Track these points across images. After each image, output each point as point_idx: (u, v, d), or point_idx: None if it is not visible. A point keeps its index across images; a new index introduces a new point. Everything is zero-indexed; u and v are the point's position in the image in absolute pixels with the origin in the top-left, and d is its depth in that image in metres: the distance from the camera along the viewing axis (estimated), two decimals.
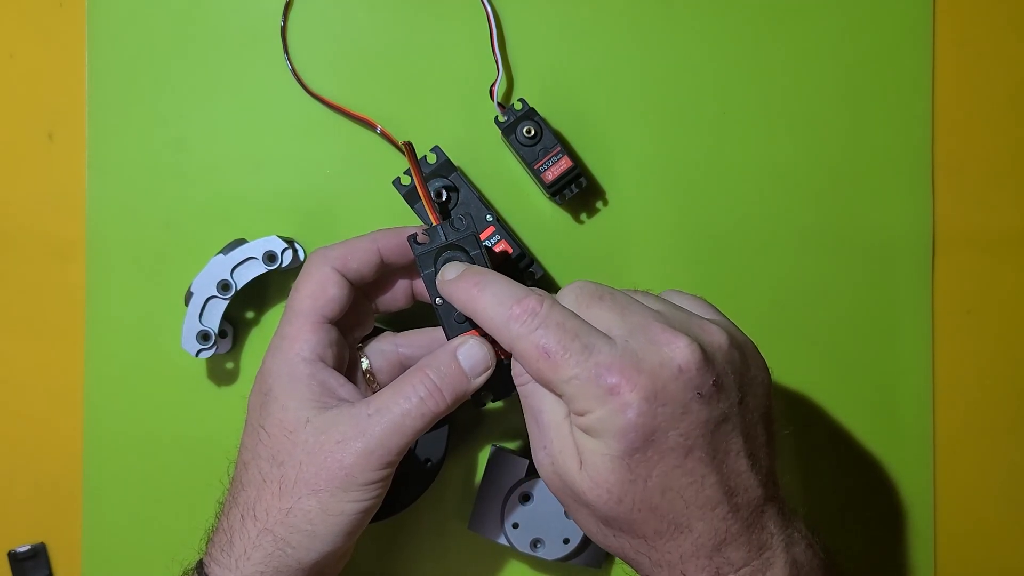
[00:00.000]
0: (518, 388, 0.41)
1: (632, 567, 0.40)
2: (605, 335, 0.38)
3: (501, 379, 0.42)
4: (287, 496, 0.41)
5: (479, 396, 0.44)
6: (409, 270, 0.47)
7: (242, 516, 0.42)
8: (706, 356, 0.37)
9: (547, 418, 0.39)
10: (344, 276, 0.44)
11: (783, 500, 0.40)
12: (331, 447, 0.41)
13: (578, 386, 0.37)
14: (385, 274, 0.47)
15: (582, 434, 0.38)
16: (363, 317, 0.47)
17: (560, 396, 0.38)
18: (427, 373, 0.41)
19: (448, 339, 0.43)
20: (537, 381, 0.39)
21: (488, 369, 0.42)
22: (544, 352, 0.37)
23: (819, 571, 0.39)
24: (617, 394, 0.36)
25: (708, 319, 0.40)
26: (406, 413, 0.41)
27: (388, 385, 0.42)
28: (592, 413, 0.37)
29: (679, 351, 0.37)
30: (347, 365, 0.46)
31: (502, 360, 0.42)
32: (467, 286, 0.40)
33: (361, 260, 0.45)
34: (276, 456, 0.41)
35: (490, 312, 0.39)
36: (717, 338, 0.39)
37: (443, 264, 0.42)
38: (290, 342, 0.43)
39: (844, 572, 0.41)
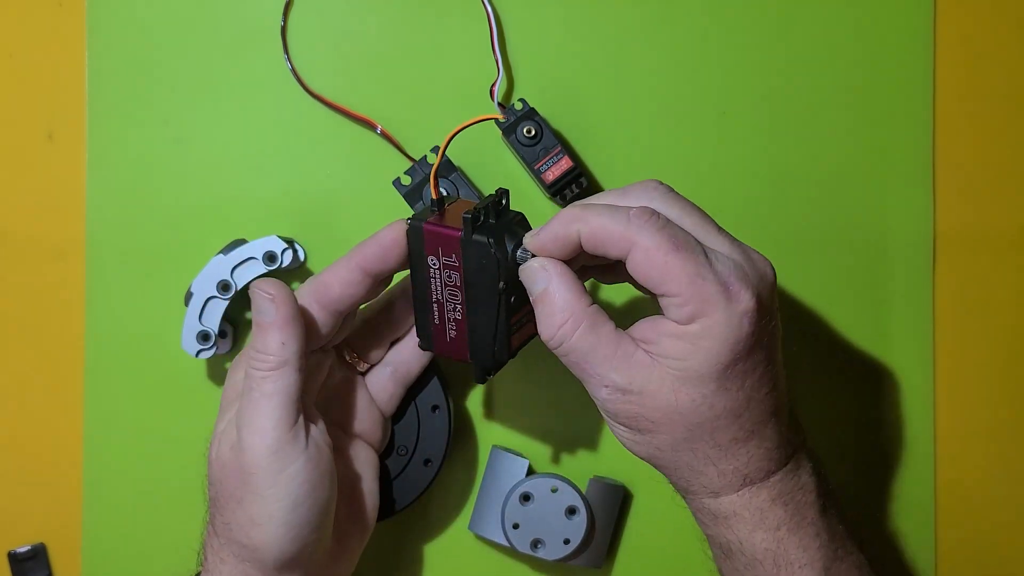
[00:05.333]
0: (561, 347, 0.38)
1: (685, 482, 0.40)
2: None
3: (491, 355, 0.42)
4: (224, 509, 0.42)
5: (481, 372, 0.44)
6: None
7: (208, 535, 0.44)
8: None
9: (607, 349, 0.38)
10: (324, 308, 0.43)
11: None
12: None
13: (702, 286, 0.36)
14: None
15: (671, 342, 0.37)
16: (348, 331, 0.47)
17: (669, 296, 0.37)
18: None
19: (499, 321, 0.41)
20: (651, 278, 0.37)
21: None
22: (676, 244, 0.36)
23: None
24: (738, 301, 0.37)
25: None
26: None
27: None
28: (706, 318, 0.36)
29: (769, 265, 0.39)
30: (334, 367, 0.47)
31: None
32: (569, 217, 0.38)
33: (343, 281, 0.43)
34: (210, 479, 0.44)
35: (604, 219, 0.37)
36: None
37: (511, 246, 0.40)
38: (261, 437, 0.41)
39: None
